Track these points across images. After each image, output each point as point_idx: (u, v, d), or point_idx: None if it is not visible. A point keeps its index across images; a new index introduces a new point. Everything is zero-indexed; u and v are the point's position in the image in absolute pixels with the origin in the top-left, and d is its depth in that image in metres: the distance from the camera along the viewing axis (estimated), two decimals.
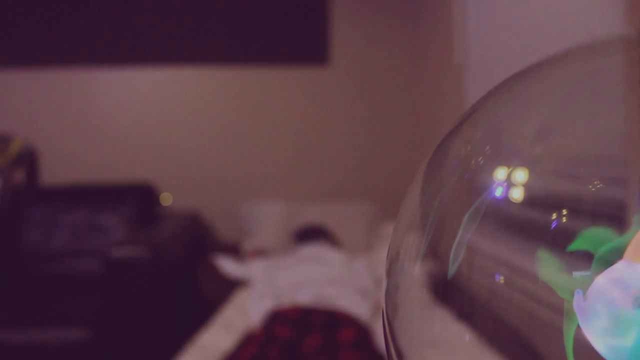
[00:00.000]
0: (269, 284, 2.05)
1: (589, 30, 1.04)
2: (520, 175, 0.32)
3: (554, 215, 0.31)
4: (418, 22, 2.92)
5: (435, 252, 0.34)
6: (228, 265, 2.26)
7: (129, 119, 3.08)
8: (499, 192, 0.32)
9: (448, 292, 0.33)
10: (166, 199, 2.90)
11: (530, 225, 0.32)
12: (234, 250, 2.66)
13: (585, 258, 0.29)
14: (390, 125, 3.12)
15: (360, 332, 1.70)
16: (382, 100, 3.12)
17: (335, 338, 1.67)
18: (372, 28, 3.10)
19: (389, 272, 0.36)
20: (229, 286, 2.22)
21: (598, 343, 0.27)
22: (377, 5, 3.10)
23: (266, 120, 3.11)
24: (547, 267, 0.30)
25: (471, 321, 0.32)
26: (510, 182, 0.32)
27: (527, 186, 0.32)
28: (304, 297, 1.91)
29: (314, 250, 2.24)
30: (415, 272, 0.35)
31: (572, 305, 0.28)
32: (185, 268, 2.39)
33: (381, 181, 3.08)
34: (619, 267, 0.27)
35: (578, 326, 0.28)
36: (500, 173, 0.33)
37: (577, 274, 0.29)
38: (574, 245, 0.29)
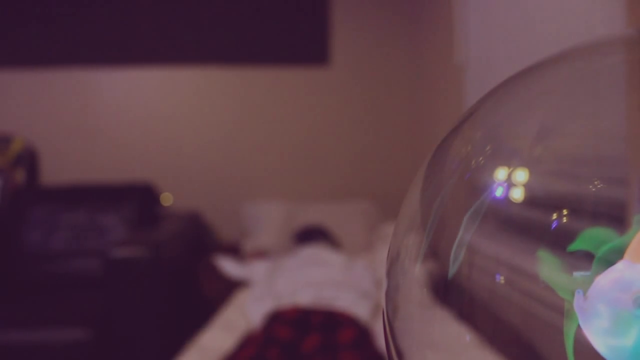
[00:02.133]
0: (269, 284, 2.05)
1: (590, 30, 1.04)
2: (521, 175, 0.32)
3: (555, 216, 0.31)
4: (418, 22, 2.92)
5: (435, 252, 0.34)
6: (229, 266, 2.26)
7: (130, 119, 3.08)
8: (499, 192, 0.32)
9: (448, 292, 0.33)
10: (167, 199, 2.91)
11: (530, 225, 0.32)
12: (235, 251, 2.66)
13: (586, 258, 0.29)
14: (391, 126, 3.12)
15: (360, 332, 1.70)
16: (382, 100, 3.12)
17: (335, 338, 1.67)
18: (372, 28, 3.10)
19: (389, 273, 0.36)
20: (229, 286, 2.22)
21: (598, 343, 0.27)
22: (378, 5, 3.10)
23: (267, 121, 3.11)
24: (547, 267, 0.30)
25: (471, 321, 0.32)
26: (511, 182, 0.32)
27: (527, 186, 0.32)
28: (304, 298, 1.91)
29: (314, 251, 2.24)
30: (416, 272, 0.34)
31: (573, 305, 0.28)
32: (185, 268, 2.39)
33: (381, 181, 3.08)
34: (619, 267, 0.27)
35: (578, 326, 0.28)
36: (501, 173, 0.33)
37: (577, 274, 0.29)
38: (575, 246, 0.29)
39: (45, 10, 3.00)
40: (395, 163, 3.08)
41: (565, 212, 0.31)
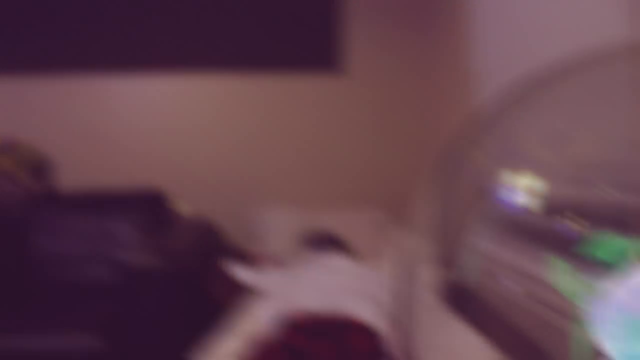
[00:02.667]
0: (285, 293, 2.05)
1: (598, 34, 1.04)
2: (533, 181, 0.32)
3: (568, 222, 0.31)
4: (432, 31, 2.92)
5: (447, 259, 0.34)
6: (244, 274, 2.26)
7: (142, 127, 3.10)
8: (511, 198, 0.32)
9: (461, 299, 0.33)
10: (183, 207, 2.92)
11: (543, 231, 0.32)
12: (246, 257, 2.66)
13: (599, 265, 0.29)
14: (403, 134, 3.12)
15: (374, 340, 1.69)
16: (394, 108, 3.12)
17: (349, 347, 1.66)
18: (387, 37, 3.10)
19: (402, 280, 0.36)
20: (242, 294, 2.22)
21: (613, 349, 0.27)
22: (392, 14, 3.10)
23: (278, 128, 3.12)
24: (559, 273, 0.30)
25: (484, 328, 0.32)
26: (523, 189, 0.32)
27: (540, 193, 0.32)
28: (319, 306, 1.90)
29: (330, 261, 2.24)
30: (428, 279, 0.35)
31: (584, 312, 0.28)
32: (197, 275, 2.39)
33: (393, 189, 3.07)
34: (636, 276, 0.27)
35: (588, 331, 0.28)
36: (513, 179, 0.33)
37: (591, 281, 0.29)
38: (592, 253, 0.29)
39: (58, 18, 3.03)
40: (406, 171, 3.07)
41: (577, 218, 0.31)
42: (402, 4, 3.09)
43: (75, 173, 3.01)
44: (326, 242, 2.55)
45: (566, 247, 0.31)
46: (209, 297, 2.33)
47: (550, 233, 0.32)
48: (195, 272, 2.39)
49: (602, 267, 0.29)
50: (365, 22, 3.10)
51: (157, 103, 3.12)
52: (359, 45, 3.10)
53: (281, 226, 2.87)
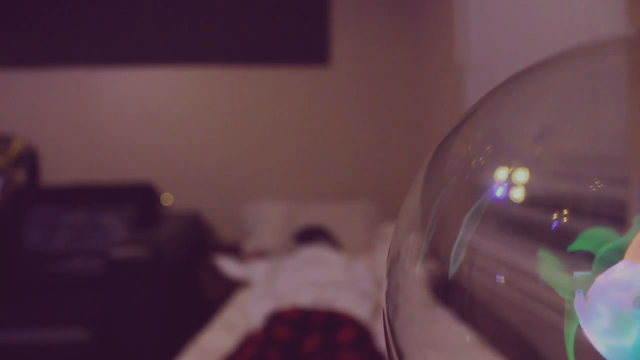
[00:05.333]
0: (270, 285, 2.05)
1: (590, 30, 1.04)
2: (521, 175, 0.32)
3: (555, 215, 0.31)
4: (419, 21, 2.92)
5: (436, 252, 0.34)
6: (229, 266, 2.26)
7: (130, 119, 3.08)
8: (499, 192, 0.32)
9: (449, 292, 0.33)
10: (167, 199, 2.91)
11: (531, 225, 0.32)
12: (235, 251, 2.66)
13: (586, 258, 0.29)
14: (391, 126, 3.12)
15: (360, 332, 1.70)
16: (382, 100, 3.12)
17: (335, 338, 1.67)
18: (373, 28, 3.10)
19: (390, 273, 0.36)
20: (229, 287, 2.22)
21: (599, 343, 0.27)
22: (378, 5, 3.10)
23: (267, 121, 3.11)
24: (547, 267, 0.30)
25: (472, 322, 0.32)
26: (511, 182, 0.32)
27: (527, 186, 0.32)
28: (304, 298, 1.91)
29: (315, 252, 2.24)
30: (416, 272, 0.35)
31: (573, 305, 0.28)
32: (186, 268, 2.39)
33: (382, 181, 3.08)
34: (619, 268, 0.27)
35: (579, 326, 0.28)
36: (501, 173, 0.33)
37: (577, 274, 0.29)
38: (575, 245, 0.29)
39: (44, 9, 3.00)
40: (395, 163, 3.08)
41: (565, 212, 0.31)
42: None
43: (63, 166, 2.98)
44: (316, 235, 2.55)
45: (554, 240, 0.31)
46: (198, 291, 2.32)
47: (539, 227, 0.32)
48: (184, 266, 2.39)
49: (589, 259, 0.29)
50: (354, 12, 3.09)
51: (146, 96, 3.10)
52: (347, 37, 3.09)
53: (271, 219, 2.87)
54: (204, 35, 3.05)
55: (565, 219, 0.31)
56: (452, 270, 0.32)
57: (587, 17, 1.08)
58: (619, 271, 0.27)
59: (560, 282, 0.29)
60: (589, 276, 0.28)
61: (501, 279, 0.32)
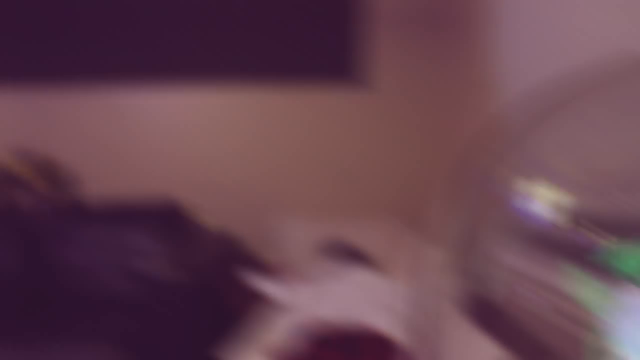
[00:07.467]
0: (306, 306, 2.03)
1: (619, 45, 1.03)
2: (553, 192, 0.32)
3: (588, 232, 0.31)
4: (449, 42, 2.92)
5: (465, 270, 0.34)
6: (267, 286, 2.23)
7: (162, 139, 3.13)
8: (530, 208, 0.32)
9: (483, 311, 0.33)
10: (201, 219, 2.93)
11: (563, 241, 0.31)
12: (265, 268, 2.66)
13: (620, 276, 0.29)
14: (421, 143, 3.11)
15: (388, 350, 1.68)
16: (411, 119, 3.12)
17: (362, 357, 1.66)
18: (408, 52, 3.10)
19: (422, 291, 0.36)
20: (262, 306, 2.21)
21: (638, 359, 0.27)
22: (414, 24, 3.10)
23: (297, 140, 3.14)
24: (581, 284, 0.29)
25: (509, 341, 0.32)
26: (543, 199, 0.32)
27: (560, 203, 0.32)
28: (335, 317, 1.90)
29: (353, 276, 2.22)
30: (450, 292, 0.35)
31: (607, 324, 0.28)
32: (218, 287, 2.40)
33: (411, 199, 3.06)
34: None
35: (604, 340, 0.27)
36: (532, 190, 0.33)
37: (613, 293, 0.29)
38: (612, 264, 0.29)
39: (82, 33, 3.08)
40: (424, 180, 3.06)
41: (598, 229, 0.31)
42: (420, 14, 3.09)
43: (97, 185, 3.04)
44: (345, 252, 2.53)
45: (587, 258, 0.30)
46: (229, 309, 2.32)
47: (570, 244, 0.32)
48: (216, 284, 2.40)
49: (623, 278, 0.29)
50: (388, 33, 3.10)
51: (177, 116, 3.15)
52: (379, 59, 3.10)
53: (300, 236, 2.87)
54: (237, 57, 3.09)
55: (598, 236, 0.30)
56: (484, 288, 0.32)
57: (615, 31, 1.07)
58: None
59: (594, 301, 0.29)
60: (624, 295, 0.28)
61: (536, 297, 0.31)
